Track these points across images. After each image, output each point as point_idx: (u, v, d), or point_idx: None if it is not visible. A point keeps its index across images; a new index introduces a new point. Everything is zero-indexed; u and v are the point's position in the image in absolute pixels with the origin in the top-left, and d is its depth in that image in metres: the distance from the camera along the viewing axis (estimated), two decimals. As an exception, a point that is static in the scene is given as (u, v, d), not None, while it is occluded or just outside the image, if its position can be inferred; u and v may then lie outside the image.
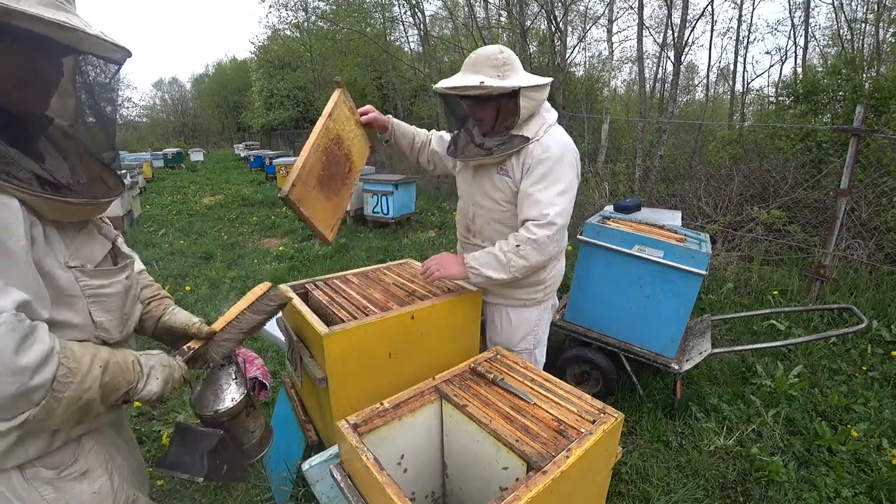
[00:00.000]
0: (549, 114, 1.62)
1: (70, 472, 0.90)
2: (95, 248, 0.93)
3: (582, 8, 13.07)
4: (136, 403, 1.03)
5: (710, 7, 11.56)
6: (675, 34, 8.62)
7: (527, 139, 1.56)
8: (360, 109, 1.70)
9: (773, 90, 13.23)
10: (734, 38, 14.70)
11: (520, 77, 1.53)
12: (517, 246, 1.53)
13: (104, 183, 0.93)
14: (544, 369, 1.34)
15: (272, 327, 2.19)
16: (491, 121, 1.59)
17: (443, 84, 1.57)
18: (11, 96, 0.78)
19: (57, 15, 0.73)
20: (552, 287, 1.81)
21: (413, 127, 1.90)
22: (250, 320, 1.18)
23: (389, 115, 1.80)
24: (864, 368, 2.93)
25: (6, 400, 0.70)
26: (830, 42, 13.39)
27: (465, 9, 12.80)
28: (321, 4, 14.93)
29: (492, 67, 1.50)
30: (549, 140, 1.55)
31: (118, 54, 0.87)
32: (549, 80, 1.59)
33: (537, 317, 1.82)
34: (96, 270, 0.89)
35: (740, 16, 14.10)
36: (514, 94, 1.50)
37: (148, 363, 0.97)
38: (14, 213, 0.73)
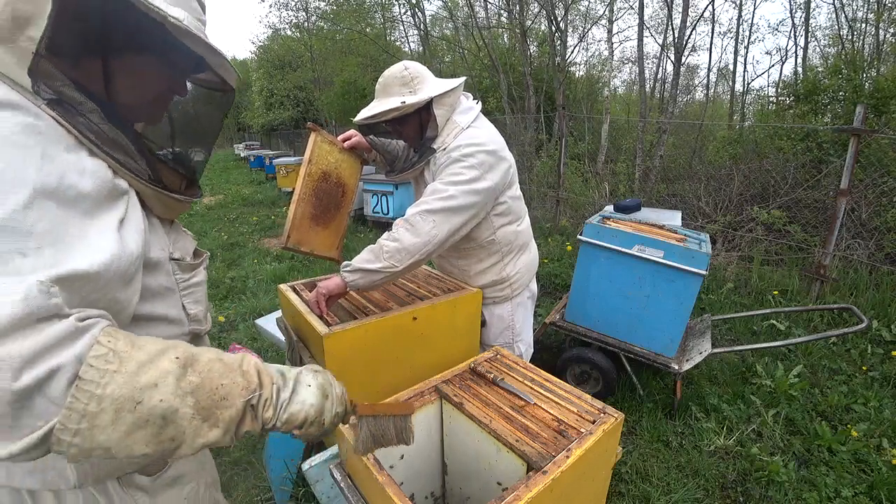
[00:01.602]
0: (463, 116, 1.59)
1: (164, 478, 0.86)
2: (187, 242, 0.93)
3: (582, 8, 13.09)
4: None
5: (710, 7, 11.57)
6: (676, 35, 8.63)
7: (433, 150, 1.57)
8: (342, 136, 1.70)
9: (774, 90, 13.24)
10: (734, 38, 14.72)
11: (430, 87, 1.53)
12: (390, 231, 1.48)
13: (186, 186, 0.96)
14: (544, 370, 1.33)
15: (272, 327, 2.20)
16: (417, 136, 1.61)
17: (364, 115, 1.56)
18: (142, 109, 0.79)
19: (204, 35, 0.75)
20: (520, 282, 1.80)
21: (395, 142, 1.89)
22: (387, 429, 0.88)
23: (371, 136, 1.80)
24: (864, 368, 2.93)
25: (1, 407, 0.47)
26: (831, 42, 13.41)
27: (465, 9, 12.81)
28: (321, 4, 14.94)
29: (402, 85, 1.52)
30: (454, 144, 1.54)
31: (233, 77, 0.88)
32: (460, 81, 1.58)
33: (510, 312, 1.83)
34: (188, 263, 0.88)
35: (740, 16, 14.12)
36: (430, 104, 1.51)
37: (289, 370, 0.72)
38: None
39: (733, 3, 13.59)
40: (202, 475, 0.97)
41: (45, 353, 0.49)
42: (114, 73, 0.72)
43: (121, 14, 0.66)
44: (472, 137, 1.53)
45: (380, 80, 1.57)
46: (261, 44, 24.24)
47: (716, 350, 2.47)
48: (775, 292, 3.94)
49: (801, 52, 13.27)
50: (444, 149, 1.54)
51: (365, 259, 1.44)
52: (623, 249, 2.38)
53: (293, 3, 16.44)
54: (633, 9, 12.09)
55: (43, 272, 0.51)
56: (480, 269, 1.75)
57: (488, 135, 1.56)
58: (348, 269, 1.45)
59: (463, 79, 1.60)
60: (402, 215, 1.50)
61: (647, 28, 11.48)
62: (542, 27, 12.13)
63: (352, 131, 1.73)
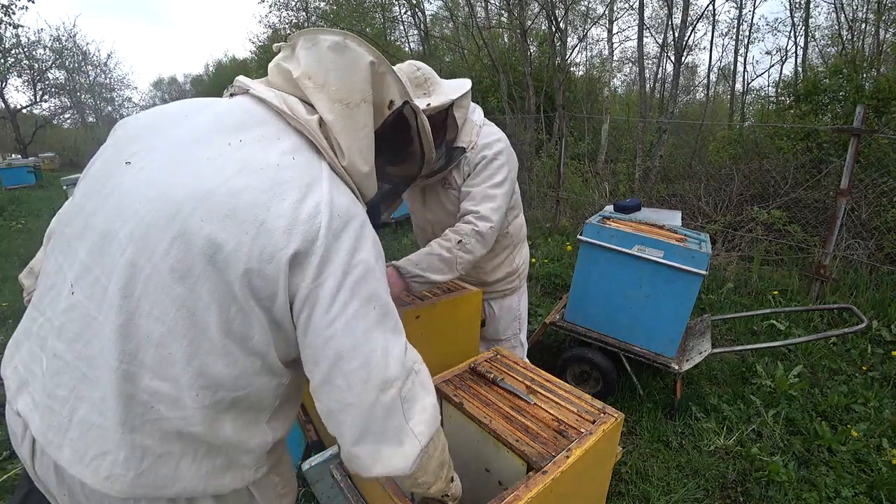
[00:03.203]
0: (476, 114, 1.60)
1: (276, 452, 0.94)
2: None
3: (582, 8, 13.08)
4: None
5: (710, 6, 11.57)
6: (676, 35, 8.63)
7: (463, 150, 1.56)
8: None
9: (774, 90, 13.21)
10: (734, 37, 14.70)
11: (445, 88, 1.49)
12: (460, 241, 1.48)
13: None
14: (544, 370, 1.33)
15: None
16: None
17: None
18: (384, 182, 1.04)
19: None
20: (524, 271, 1.87)
21: None
22: None
23: None
24: (864, 368, 2.93)
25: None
26: (830, 42, 13.38)
27: (466, 9, 12.80)
28: (321, 4, 14.93)
29: (416, 87, 1.46)
30: (482, 142, 1.55)
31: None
32: (470, 82, 1.57)
33: (517, 302, 1.87)
34: None
35: (740, 15, 14.09)
36: (447, 107, 1.48)
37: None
38: None
39: (734, 3, 13.57)
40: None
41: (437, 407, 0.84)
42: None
43: (408, 133, 0.99)
44: (493, 134, 1.58)
45: None
46: (261, 44, 24.16)
47: (716, 350, 2.47)
48: (775, 292, 3.94)
49: (801, 52, 13.26)
50: (473, 147, 1.56)
51: (437, 270, 1.45)
52: (623, 249, 2.38)
53: (293, 3, 16.41)
54: (633, 9, 12.09)
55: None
56: (496, 263, 1.77)
57: (499, 129, 1.62)
58: (420, 279, 1.44)
59: (470, 81, 1.60)
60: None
61: (647, 28, 11.49)
62: (543, 27, 12.13)
63: None
